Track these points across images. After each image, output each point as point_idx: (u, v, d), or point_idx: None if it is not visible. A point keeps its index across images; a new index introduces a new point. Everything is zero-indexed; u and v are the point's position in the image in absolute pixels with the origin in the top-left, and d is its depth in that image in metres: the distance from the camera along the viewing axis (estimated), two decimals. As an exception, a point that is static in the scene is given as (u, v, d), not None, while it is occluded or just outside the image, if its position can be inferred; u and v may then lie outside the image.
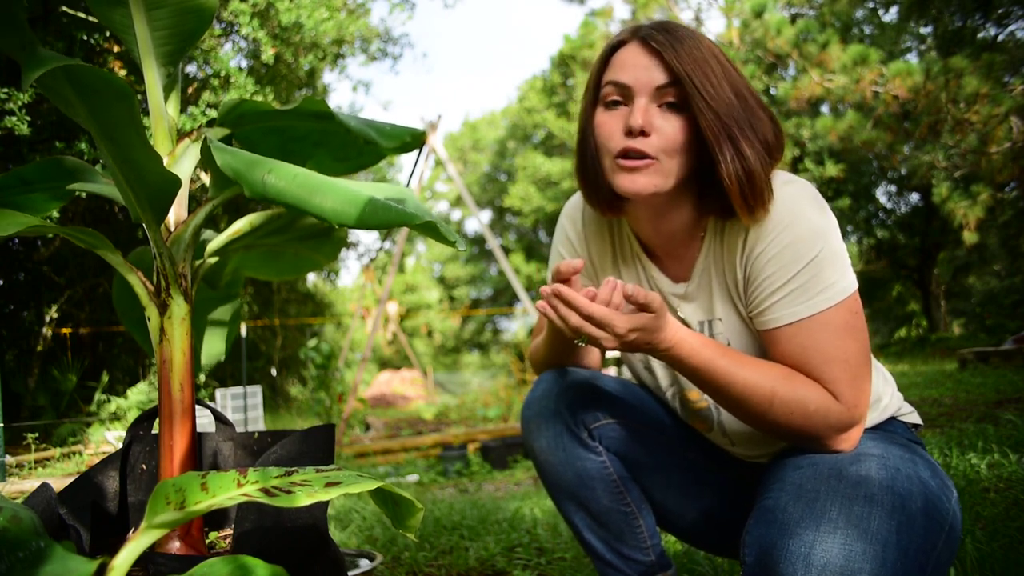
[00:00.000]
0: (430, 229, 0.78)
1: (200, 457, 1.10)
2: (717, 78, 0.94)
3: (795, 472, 0.88)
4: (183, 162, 0.95)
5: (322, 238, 1.18)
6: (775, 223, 0.95)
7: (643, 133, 0.95)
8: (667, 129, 0.95)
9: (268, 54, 7.63)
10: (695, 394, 1.13)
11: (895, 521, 0.78)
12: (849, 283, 0.93)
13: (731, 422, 1.09)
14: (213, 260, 1.04)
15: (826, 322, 0.92)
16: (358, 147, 1.13)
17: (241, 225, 1.03)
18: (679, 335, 0.93)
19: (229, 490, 0.64)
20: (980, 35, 7.80)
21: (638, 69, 0.96)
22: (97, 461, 1.10)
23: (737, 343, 1.04)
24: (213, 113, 6.84)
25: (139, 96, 6.17)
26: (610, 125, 0.98)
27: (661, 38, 0.96)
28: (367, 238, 18.27)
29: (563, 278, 0.94)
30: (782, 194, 0.96)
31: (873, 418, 1.04)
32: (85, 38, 6.28)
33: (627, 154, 0.96)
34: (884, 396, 1.06)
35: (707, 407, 1.12)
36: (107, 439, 5.04)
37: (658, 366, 1.16)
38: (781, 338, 0.94)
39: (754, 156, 0.93)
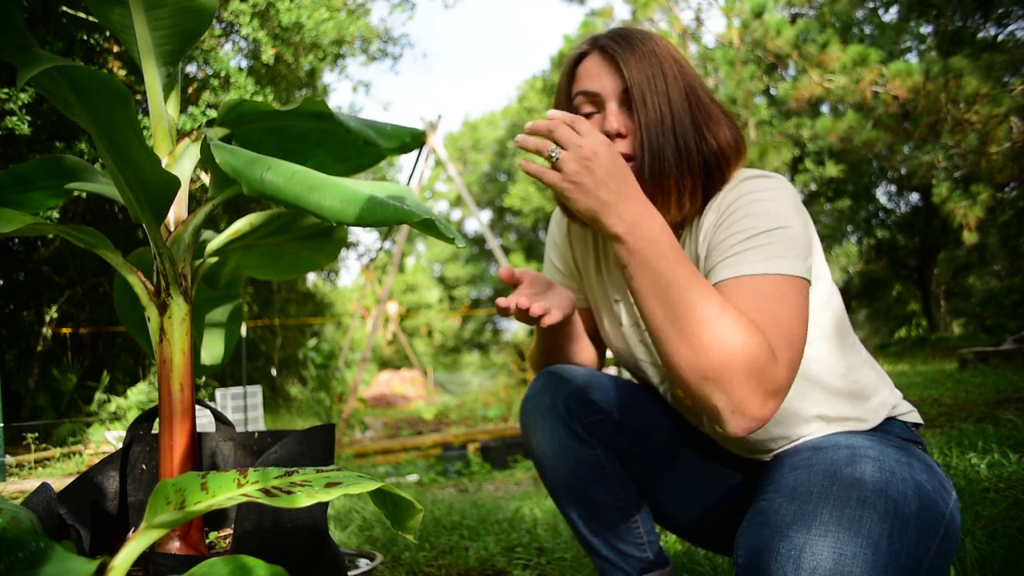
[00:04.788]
0: (428, 226, 0.78)
1: (200, 457, 1.10)
2: (664, 85, 1.00)
3: (791, 474, 0.88)
4: (183, 162, 0.95)
5: (322, 238, 1.18)
6: (740, 203, 0.97)
7: (619, 135, 1.00)
8: (635, 129, 1.00)
9: (268, 54, 7.63)
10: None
11: (887, 525, 0.78)
12: (803, 270, 0.91)
13: None
14: (213, 260, 1.04)
15: (774, 286, 0.89)
16: (358, 147, 1.13)
17: (241, 225, 1.03)
18: (642, 213, 0.85)
19: (229, 490, 0.64)
20: (980, 35, 7.79)
21: (603, 77, 1.03)
22: (97, 461, 1.10)
23: None
24: (213, 113, 6.84)
25: (139, 96, 6.18)
26: None
27: (616, 46, 1.02)
28: (367, 238, 18.28)
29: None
30: (755, 184, 0.99)
31: (867, 415, 1.03)
32: (85, 38, 6.29)
33: None
34: (877, 394, 1.05)
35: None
36: (107, 439, 5.04)
37: (648, 364, 1.17)
38: (724, 290, 0.91)
39: (674, 160, 0.98)
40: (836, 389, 1.03)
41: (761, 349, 0.82)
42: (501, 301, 1.01)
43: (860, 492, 0.81)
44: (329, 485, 0.66)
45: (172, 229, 0.95)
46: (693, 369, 0.83)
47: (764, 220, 0.94)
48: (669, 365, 0.86)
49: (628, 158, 1.01)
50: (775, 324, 0.86)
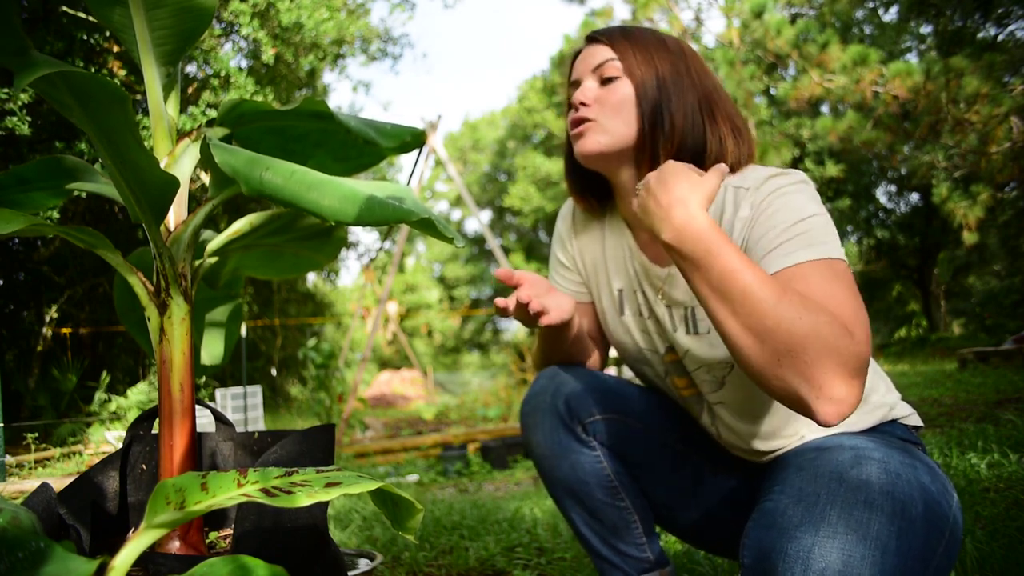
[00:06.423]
0: (427, 225, 0.78)
1: (200, 457, 1.10)
2: (653, 53, 1.07)
3: (796, 475, 0.88)
4: (182, 162, 0.95)
5: (322, 238, 1.18)
6: (770, 199, 0.98)
7: (583, 104, 1.09)
8: (606, 96, 1.07)
9: (268, 54, 7.64)
10: (682, 381, 1.14)
11: (895, 527, 0.78)
12: (840, 252, 0.91)
13: (721, 408, 1.10)
14: (213, 260, 1.04)
15: (828, 268, 0.88)
16: (358, 147, 1.13)
17: (241, 225, 1.03)
18: (696, 215, 0.87)
19: (229, 490, 0.64)
20: (980, 35, 7.79)
21: (582, 63, 1.12)
22: (97, 461, 1.10)
23: None
24: (213, 113, 6.84)
25: (139, 96, 6.18)
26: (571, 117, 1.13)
27: (605, 30, 1.11)
28: (367, 238, 18.29)
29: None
30: (778, 181, 1.00)
31: (865, 415, 1.03)
32: (85, 38, 6.29)
33: (575, 124, 1.10)
34: (876, 394, 1.05)
35: (695, 394, 1.14)
36: (107, 439, 5.04)
37: (651, 353, 1.17)
38: (780, 281, 0.89)
39: (650, 125, 1.05)
40: None
41: (832, 327, 0.79)
42: (500, 301, 1.02)
43: (867, 494, 0.80)
44: (329, 485, 0.66)
45: (172, 229, 0.95)
46: (765, 359, 0.81)
47: (797, 212, 0.95)
48: (743, 363, 0.84)
49: (585, 120, 1.08)
50: (840, 302, 0.84)
